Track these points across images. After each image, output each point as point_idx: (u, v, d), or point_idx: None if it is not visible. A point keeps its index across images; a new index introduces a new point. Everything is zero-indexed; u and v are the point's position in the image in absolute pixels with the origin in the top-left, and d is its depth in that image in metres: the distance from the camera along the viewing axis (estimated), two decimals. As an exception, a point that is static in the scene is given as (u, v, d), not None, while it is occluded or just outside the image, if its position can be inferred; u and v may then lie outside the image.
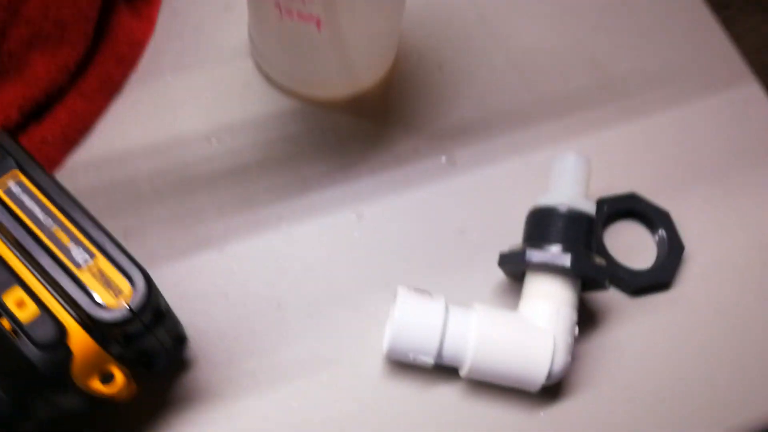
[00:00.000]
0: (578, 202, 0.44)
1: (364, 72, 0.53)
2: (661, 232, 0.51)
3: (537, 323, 0.43)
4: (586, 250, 0.44)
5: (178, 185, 0.49)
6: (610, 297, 0.50)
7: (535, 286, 0.44)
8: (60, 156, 0.48)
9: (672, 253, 0.50)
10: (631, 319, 0.49)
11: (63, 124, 0.48)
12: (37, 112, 0.48)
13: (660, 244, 0.52)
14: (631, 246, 0.51)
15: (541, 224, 0.45)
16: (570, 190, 0.46)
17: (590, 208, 0.45)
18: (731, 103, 0.58)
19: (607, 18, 0.60)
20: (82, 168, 0.49)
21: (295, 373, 0.44)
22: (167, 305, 0.39)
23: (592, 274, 0.43)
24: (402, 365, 0.45)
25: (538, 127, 0.55)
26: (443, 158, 0.53)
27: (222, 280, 0.46)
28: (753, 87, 0.58)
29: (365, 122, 0.53)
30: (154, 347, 0.38)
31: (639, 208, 0.51)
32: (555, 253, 0.43)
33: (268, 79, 0.53)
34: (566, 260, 0.42)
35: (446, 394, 0.45)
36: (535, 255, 0.43)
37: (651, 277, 0.49)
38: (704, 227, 0.53)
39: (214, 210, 0.48)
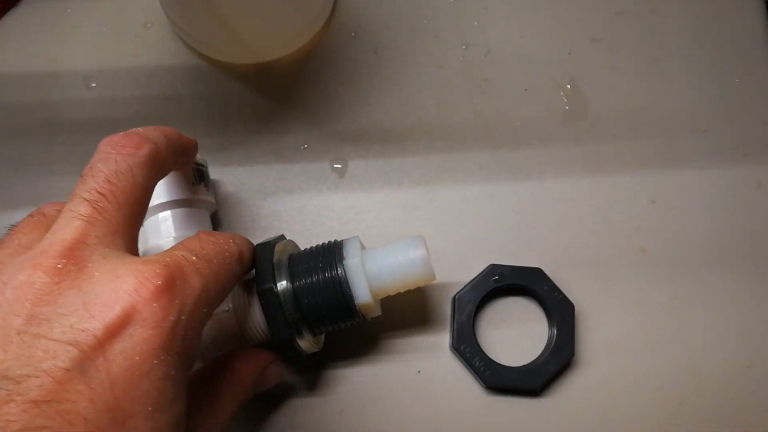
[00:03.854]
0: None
1: (271, 39, 0.45)
2: (555, 326, 0.41)
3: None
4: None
5: (38, 127, 0.45)
6: (464, 384, 0.41)
7: None
8: (-70, 66, 0.45)
9: (556, 356, 0.41)
10: (477, 421, 0.41)
11: (-65, 32, 0.44)
12: None
13: (549, 339, 0.42)
14: (518, 331, 0.42)
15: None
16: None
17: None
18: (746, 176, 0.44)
19: (612, 32, 0.47)
20: (-48, 83, 0.46)
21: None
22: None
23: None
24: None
25: (465, 154, 0.45)
26: (332, 164, 0.45)
27: (41, 243, 0.43)
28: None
29: (261, 98, 0.45)
30: None
31: (539, 289, 0.42)
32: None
33: (172, 26, 0.46)
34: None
35: None
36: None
37: (515, 377, 0.40)
38: (620, 335, 0.42)
39: (64, 164, 0.44)
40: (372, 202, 0.44)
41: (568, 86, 0.46)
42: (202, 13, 0.41)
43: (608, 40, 0.47)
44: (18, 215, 0.43)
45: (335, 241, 0.38)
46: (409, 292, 0.41)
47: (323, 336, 0.40)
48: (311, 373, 0.41)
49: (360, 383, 0.41)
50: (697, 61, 0.46)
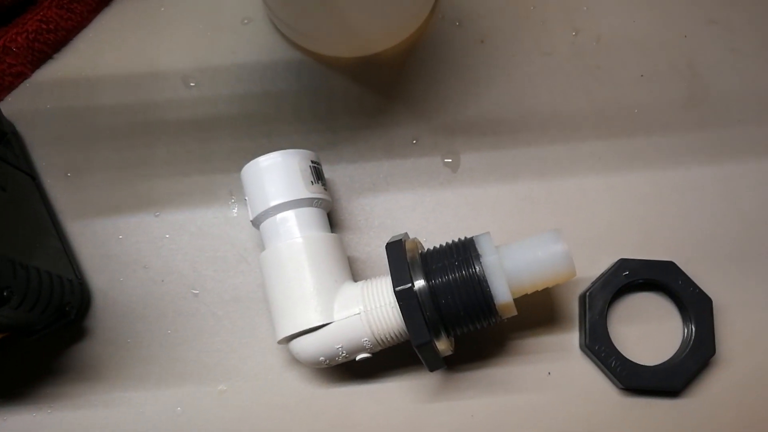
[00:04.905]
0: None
1: (377, 31, 0.43)
2: (693, 323, 0.39)
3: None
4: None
5: (138, 129, 0.43)
6: (597, 385, 0.39)
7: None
8: (26, 69, 0.44)
9: (696, 354, 0.38)
10: (612, 424, 0.39)
11: (30, 33, 0.43)
12: (5, 16, 0.43)
13: (686, 337, 0.40)
14: (651, 329, 0.40)
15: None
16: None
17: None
18: None
19: (731, 12, 0.45)
20: (48, 86, 0.44)
21: (192, 375, 0.39)
22: (42, 279, 0.35)
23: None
24: (312, 393, 0.39)
25: (581, 143, 0.43)
26: (443, 158, 0.43)
27: (148, 248, 0.41)
28: None
29: (367, 92, 0.44)
30: (16, 321, 0.35)
31: (672, 284, 0.39)
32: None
33: (272, 21, 0.45)
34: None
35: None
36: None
37: (654, 377, 0.38)
38: (760, 331, 0.40)
39: (165, 166, 0.43)
40: (487, 196, 0.42)
41: (687, 70, 0.44)
42: (309, 4, 0.40)
43: (726, 21, 0.44)
44: (121, 220, 0.42)
45: (466, 237, 0.36)
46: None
47: (453, 338, 0.38)
48: (439, 377, 0.39)
49: (489, 386, 0.39)
50: (821, 40, 0.44)
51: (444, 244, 0.36)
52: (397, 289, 0.33)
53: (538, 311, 0.40)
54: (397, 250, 0.35)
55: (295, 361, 0.39)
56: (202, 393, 0.39)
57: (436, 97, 0.43)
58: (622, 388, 0.39)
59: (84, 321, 0.40)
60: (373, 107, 0.43)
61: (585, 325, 0.39)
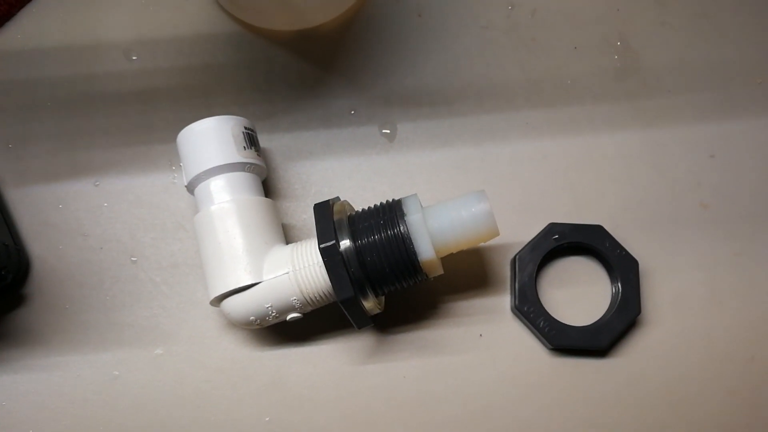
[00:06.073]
0: None
1: (315, 4, 0.44)
2: (619, 284, 0.40)
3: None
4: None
5: (79, 100, 0.44)
6: (527, 346, 0.40)
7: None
8: (-32, 42, 0.45)
9: (622, 314, 0.39)
10: (541, 383, 0.40)
11: (-28, 8, 0.44)
12: (-53, -11, 0.44)
13: (613, 298, 0.41)
14: (581, 291, 0.41)
15: None
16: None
17: None
18: (794, 134, 0.43)
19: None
20: (-9, 59, 0.45)
21: (129, 339, 0.40)
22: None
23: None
24: (247, 356, 0.40)
25: (516, 113, 0.44)
26: (381, 129, 0.43)
27: (87, 216, 0.42)
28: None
29: (305, 64, 0.44)
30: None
31: (600, 247, 0.40)
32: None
33: (213, -7, 0.45)
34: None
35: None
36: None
37: (581, 336, 0.39)
38: (685, 293, 0.41)
39: (106, 136, 0.43)
40: (423, 165, 0.43)
41: (618, 42, 0.45)
42: (246, -25, 0.41)
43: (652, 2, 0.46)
44: (61, 189, 0.42)
45: (394, 199, 0.36)
46: (466, 254, 0.40)
47: (384, 298, 0.39)
48: (372, 339, 0.40)
49: (421, 348, 0.40)
50: (747, 13, 0.45)
51: (372, 206, 0.37)
52: (322, 246, 0.34)
53: (471, 275, 0.41)
54: (323, 209, 0.36)
55: (231, 325, 0.40)
56: (139, 357, 0.40)
57: (375, 69, 0.44)
58: (551, 349, 0.40)
59: (23, 288, 0.41)
60: (311, 79, 0.44)
61: (515, 287, 0.40)
